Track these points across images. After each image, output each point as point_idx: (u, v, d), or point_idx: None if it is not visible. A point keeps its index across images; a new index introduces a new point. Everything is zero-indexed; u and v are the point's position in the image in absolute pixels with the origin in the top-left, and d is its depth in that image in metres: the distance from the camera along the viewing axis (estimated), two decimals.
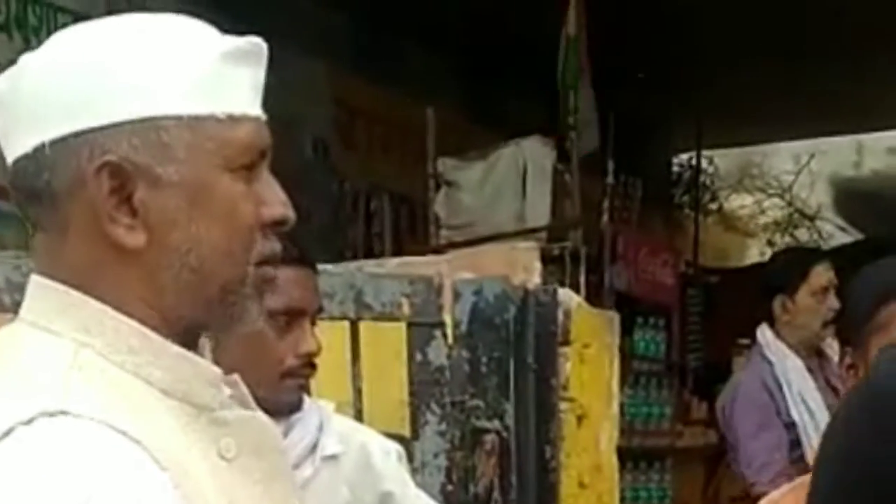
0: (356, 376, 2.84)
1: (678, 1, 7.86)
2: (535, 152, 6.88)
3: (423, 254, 4.34)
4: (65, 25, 1.26)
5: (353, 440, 2.21)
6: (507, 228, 6.54)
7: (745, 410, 4.12)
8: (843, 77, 8.94)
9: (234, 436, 1.20)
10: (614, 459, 3.24)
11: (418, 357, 2.89)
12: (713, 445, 7.70)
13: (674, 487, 7.13)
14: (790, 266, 4.28)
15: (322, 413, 2.17)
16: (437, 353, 2.89)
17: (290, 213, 1.24)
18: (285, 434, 2.06)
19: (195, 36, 1.21)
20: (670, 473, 7.11)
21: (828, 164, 13.34)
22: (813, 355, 4.16)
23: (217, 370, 1.22)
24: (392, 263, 3.32)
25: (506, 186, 6.93)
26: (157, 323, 1.19)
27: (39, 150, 1.17)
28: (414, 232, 7.91)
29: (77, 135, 1.17)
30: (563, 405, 3.03)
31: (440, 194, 6.99)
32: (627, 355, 6.35)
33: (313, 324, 2.12)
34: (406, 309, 2.85)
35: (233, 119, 1.20)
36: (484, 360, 2.94)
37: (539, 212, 6.79)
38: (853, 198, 13.18)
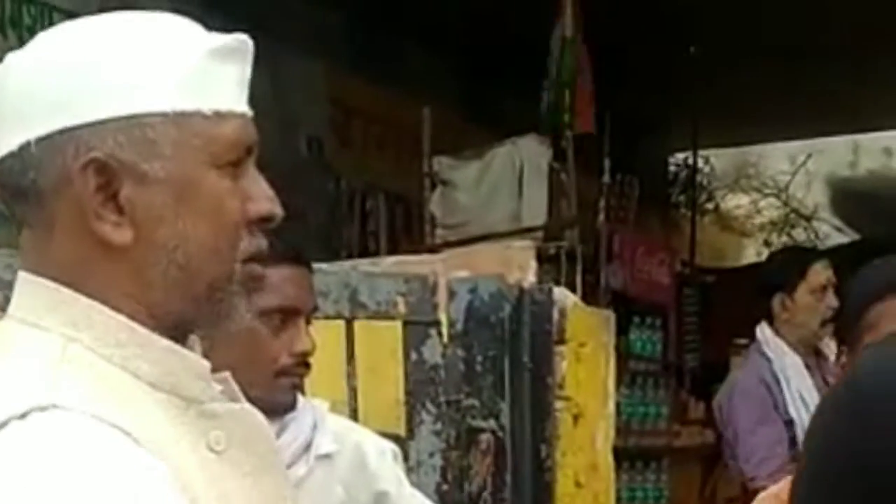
0: (351, 375, 2.84)
1: (675, 1, 7.87)
2: (531, 151, 6.88)
3: (418, 253, 4.34)
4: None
5: (347, 439, 2.21)
6: (503, 228, 6.54)
7: (743, 406, 4.12)
8: (840, 77, 8.95)
9: (224, 428, 1.20)
10: (610, 459, 3.24)
11: (413, 356, 2.88)
12: (710, 445, 7.70)
13: (670, 487, 7.14)
14: (789, 264, 4.29)
15: (316, 412, 2.16)
16: (433, 352, 2.88)
17: (277, 210, 1.24)
18: (279, 433, 2.05)
19: (181, 33, 1.21)
20: (667, 473, 7.12)
21: (824, 164, 13.36)
22: (811, 354, 4.16)
23: (206, 363, 1.22)
24: (387, 262, 3.32)
25: (502, 185, 6.93)
26: (145, 319, 1.19)
27: (25, 148, 1.17)
28: (409, 231, 7.91)
29: (62, 132, 1.17)
30: (558, 404, 3.02)
31: (436, 193, 6.99)
32: (624, 355, 6.35)
33: (308, 323, 2.11)
34: (401, 308, 2.84)
35: (219, 115, 1.20)
36: (479, 359, 2.93)
37: (535, 211, 6.79)
38: (849, 198, 13.20)
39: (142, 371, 1.18)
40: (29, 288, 1.20)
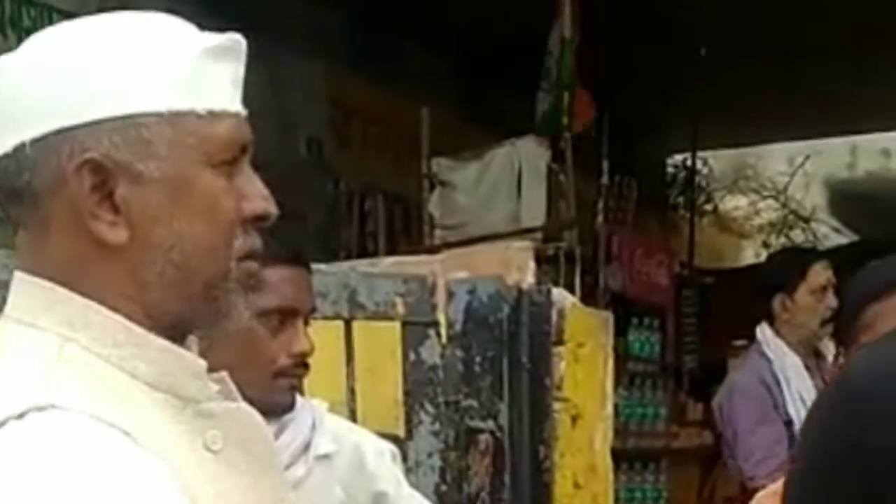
0: (350, 376, 2.84)
1: (673, 2, 7.87)
2: (529, 152, 6.88)
3: (417, 254, 4.34)
4: None
5: (346, 440, 2.21)
6: (502, 229, 6.54)
7: (743, 406, 4.13)
8: (839, 78, 8.95)
9: (221, 428, 1.20)
10: (609, 460, 3.24)
11: (412, 357, 2.88)
12: (708, 446, 7.70)
13: (669, 488, 7.14)
14: (789, 265, 4.31)
15: (315, 413, 2.16)
16: (431, 352, 2.89)
17: (272, 208, 1.25)
18: (278, 434, 2.05)
19: (174, 33, 1.22)
20: (665, 474, 7.12)
21: (822, 165, 13.35)
22: (811, 354, 4.17)
23: (202, 363, 1.23)
24: (386, 263, 3.32)
25: (500, 186, 6.93)
26: (142, 318, 1.19)
27: (20, 149, 1.18)
28: (408, 232, 7.91)
29: (57, 133, 1.17)
30: (557, 405, 3.03)
31: (434, 194, 6.99)
32: (622, 356, 6.35)
33: (307, 323, 2.11)
34: (400, 308, 2.84)
35: (213, 115, 1.20)
36: (478, 359, 2.94)
37: (534, 212, 6.79)
38: (847, 199, 13.20)
39: (139, 371, 1.18)
40: (25, 288, 1.21)
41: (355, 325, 2.83)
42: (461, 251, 4.09)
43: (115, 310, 1.18)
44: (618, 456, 3.42)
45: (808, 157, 13.09)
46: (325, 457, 2.14)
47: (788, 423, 4.04)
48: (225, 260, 1.21)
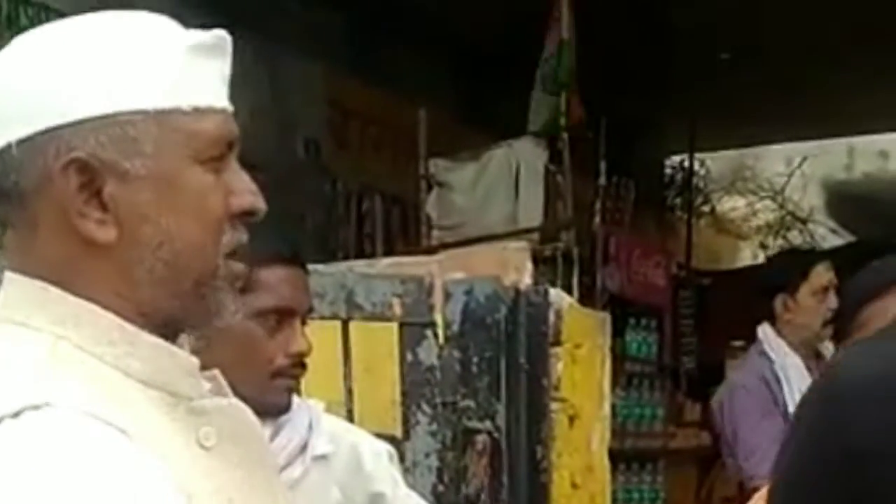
0: (347, 376, 2.84)
1: (670, 3, 7.87)
2: (527, 153, 6.89)
3: (414, 254, 4.34)
4: None
5: (343, 441, 2.20)
6: (499, 229, 6.54)
7: (743, 404, 4.13)
8: (837, 80, 8.95)
9: (213, 424, 1.21)
10: (606, 460, 3.24)
11: (409, 357, 2.88)
12: (706, 447, 7.70)
13: (666, 489, 7.14)
14: (791, 266, 4.32)
15: (312, 413, 2.16)
16: (429, 353, 2.89)
17: (261, 204, 1.25)
18: (274, 435, 2.05)
19: (159, 31, 1.22)
20: (663, 475, 7.12)
21: (820, 166, 13.36)
22: (812, 355, 4.17)
23: (195, 360, 1.23)
24: (383, 264, 3.32)
25: (498, 187, 6.93)
26: (134, 316, 1.20)
27: (6, 150, 1.18)
28: (406, 233, 7.91)
29: (43, 133, 1.17)
30: (554, 405, 3.02)
31: (432, 195, 7.00)
32: (620, 357, 6.35)
33: (304, 323, 2.11)
34: (397, 309, 2.84)
35: (199, 111, 1.21)
36: (475, 360, 2.94)
37: (531, 213, 6.80)
38: (845, 200, 13.20)
39: (132, 369, 1.18)
40: (15, 287, 1.21)
41: (352, 325, 2.83)
42: (458, 252, 4.09)
43: (107, 308, 1.19)
44: (615, 456, 3.42)
45: (805, 159, 13.10)
46: (322, 457, 2.14)
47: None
48: (213, 257, 1.22)
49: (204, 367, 1.25)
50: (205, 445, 1.19)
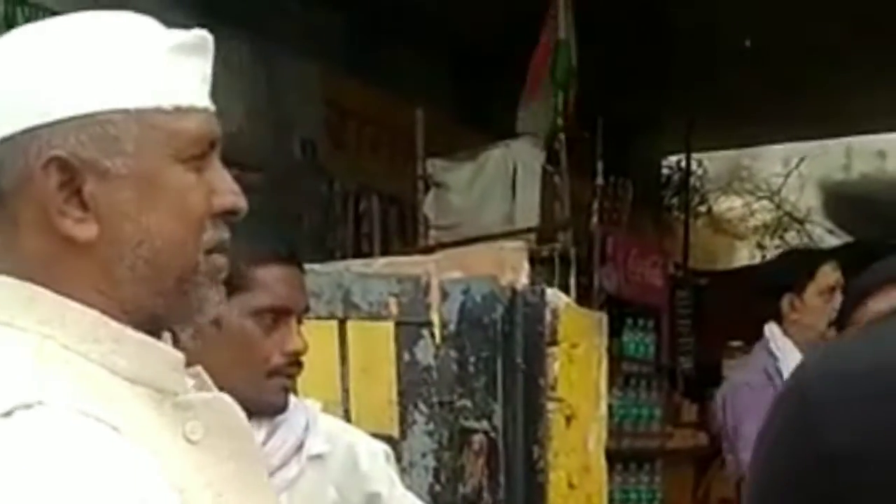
0: (344, 376, 2.84)
1: (669, 3, 7.87)
2: (524, 153, 6.89)
3: (411, 254, 4.33)
4: None
5: (340, 441, 2.20)
6: (496, 229, 6.54)
7: (747, 400, 4.13)
8: (834, 80, 8.95)
9: (199, 418, 1.21)
10: (603, 460, 3.24)
11: (406, 357, 2.88)
12: (703, 447, 7.71)
13: (663, 489, 7.14)
14: (798, 265, 4.33)
15: (309, 413, 2.16)
16: (425, 352, 2.89)
17: (242, 203, 1.26)
18: (270, 435, 2.05)
19: (140, 31, 1.23)
20: (660, 475, 7.12)
21: (817, 167, 13.36)
22: None
23: (180, 355, 1.24)
24: (379, 263, 3.31)
25: (495, 187, 6.93)
26: (118, 314, 1.20)
27: None
28: (403, 233, 7.91)
29: (24, 133, 1.18)
30: (551, 405, 3.02)
31: (429, 195, 7.00)
32: (617, 357, 6.36)
33: (300, 322, 2.11)
34: (394, 308, 2.84)
35: (180, 110, 1.21)
36: (472, 359, 2.94)
37: (528, 213, 6.80)
38: (842, 201, 13.20)
39: (119, 366, 1.19)
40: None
41: (349, 325, 2.83)
42: (455, 251, 4.09)
43: (91, 306, 1.19)
44: (612, 457, 3.42)
45: (802, 159, 13.09)
46: (319, 457, 2.14)
47: None
48: (194, 254, 1.22)
49: (188, 364, 1.26)
50: (191, 439, 1.20)
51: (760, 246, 13.23)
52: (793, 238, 13.20)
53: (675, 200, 11.56)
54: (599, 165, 7.10)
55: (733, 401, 4.20)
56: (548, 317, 3.02)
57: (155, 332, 1.23)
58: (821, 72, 8.77)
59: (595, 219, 7.07)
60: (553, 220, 6.69)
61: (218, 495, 1.19)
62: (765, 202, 13.69)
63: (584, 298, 5.77)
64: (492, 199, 6.93)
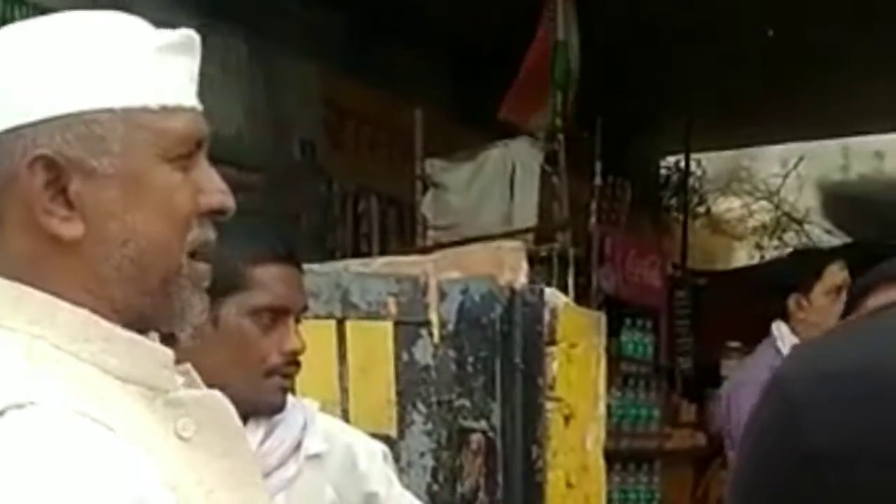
0: (342, 376, 2.84)
1: (667, 5, 7.87)
2: (522, 154, 6.89)
3: (409, 254, 4.33)
4: None
5: (338, 440, 2.20)
6: (495, 230, 6.54)
7: (753, 395, 4.12)
8: (832, 80, 8.95)
9: (191, 415, 1.21)
10: (601, 460, 3.24)
11: (404, 356, 2.88)
12: (702, 448, 7.71)
13: (662, 489, 7.14)
14: (805, 265, 4.34)
15: (306, 412, 2.16)
16: (424, 352, 2.89)
17: (230, 202, 1.25)
18: (268, 434, 2.05)
19: (127, 30, 1.23)
20: (659, 475, 7.12)
21: (815, 167, 13.36)
22: None
23: (170, 352, 1.24)
24: (378, 263, 3.31)
25: (493, 188, 6.93)
26: (108, 312, 1.20)
27: None
28: (401, 233, 7.91)
29: (10, 132, 1.18)
30: (549, 405, 3.02)
31: (428, 195, 7.00)
32: (615, 357, 6.36)
33: (298, 322, 2.11)
34: (392, 308, 2.84)
35: (167, 110, 1.21)
36: (470, 359, 2.93)
37: (527, 213, 6.80)
38: (841, 201, 13.20)
39: (110, 365, 1.19)
40: None
41: (348, 324, 2.83)
42: (454, 251, 4.09)
43: (80, 305, 1.19)
44: (611, 457, 3.42)
45: (801, 160, 13.10)
46: (317, 457, 2.13)
47: None
48: (178, 254, 1.22)
49: (183, 362, 1.26)
50: (183, 437, 1.20)
51: (759, 246, 13.23)
52: (791, 238, 13.20)
53: (673, 201, 11.55)
54: (598, 165, 7.10)
55: (738, 398, 4.20)
56: (546, 317, 3.01)
57: (143, 332, 1.23)
58: (819, 73, 8.77)
59: (593, 219, 7.07)
60: (551, 220, 6.69)
61: (210, 492, 1.19)
62: (763, 203, 13.70)
63: (582, 298, 5.78)
64: (490, 200, 6.93)
